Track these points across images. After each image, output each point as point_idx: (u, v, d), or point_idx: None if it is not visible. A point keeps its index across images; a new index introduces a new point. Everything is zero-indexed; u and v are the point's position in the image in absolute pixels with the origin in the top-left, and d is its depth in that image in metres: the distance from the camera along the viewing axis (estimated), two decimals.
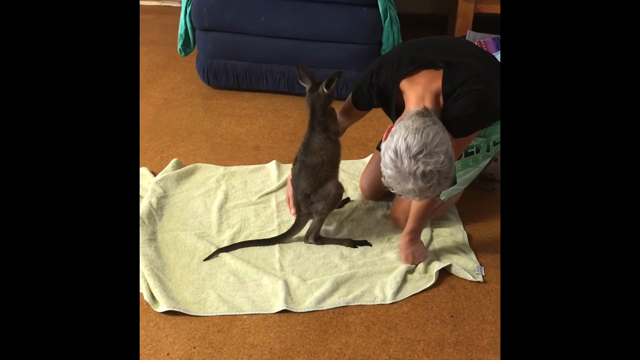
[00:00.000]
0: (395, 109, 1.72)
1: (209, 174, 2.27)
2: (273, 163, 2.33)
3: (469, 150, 1.89)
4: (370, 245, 1.95)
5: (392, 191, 1.55)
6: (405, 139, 1.46)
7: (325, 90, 1.80)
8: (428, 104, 1.60)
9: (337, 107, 1.94)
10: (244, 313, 1.70)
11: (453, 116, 1.60)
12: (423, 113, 1.53)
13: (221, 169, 2.30)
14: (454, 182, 1.93)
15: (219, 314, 1.70)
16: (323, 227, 1.97)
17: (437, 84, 1.62)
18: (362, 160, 2.39)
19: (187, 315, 1.69)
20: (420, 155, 1.44)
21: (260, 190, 2.20)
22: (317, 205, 1.86)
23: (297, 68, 1.87)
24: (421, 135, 1.45)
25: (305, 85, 1.86)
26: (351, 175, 2.30)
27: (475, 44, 2.59)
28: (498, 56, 2.46)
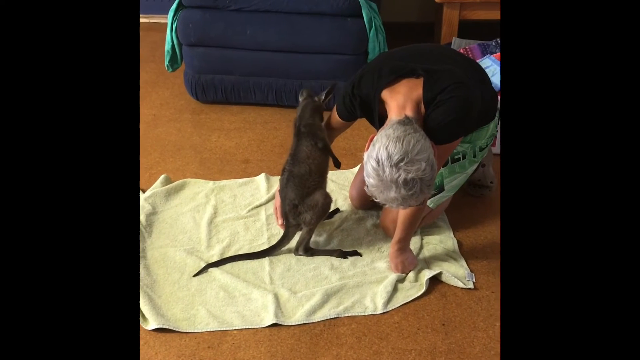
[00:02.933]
0: (378, 118, 1.72)
1: (198, 189, 2.27)
2: (262, 176, 2.33)
3: (456, 157, 1.89)
4: (361, 256, 1.95)
5: (375, 200, 1.55)
6: (386, 148, 1.46)
7: (320, 100, 1.90)
8: (409, 112, 1.60)
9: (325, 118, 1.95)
10: (234, 328, 1.69)
11: (434, 123, 1.60)
12: (404, 121, 1.54)
13: (210, 183, 2.30)
14: (442, 189, 1.93)
15: (209, 329, 1.69)
16: (313, 238, 1.96)
17: (418, 92, 1.62)
18: (351, 170, 2.39)
19: (177, 332, 1.68)
20: (402, 163, 1.44)
21: (250, 204, 2.19)
22: (305, 215, 1.85)
23: (302, 91, 1.98)
24: (402, 144, 1.46)
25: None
26: (340, 185, 2.30)
27: (461, 50, 2.61)
28: (483, 62, 2.47)
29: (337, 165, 1.92)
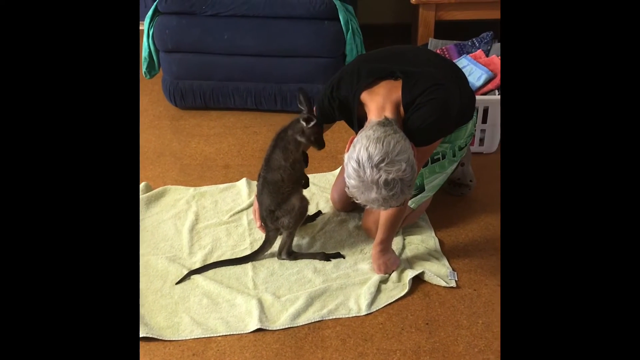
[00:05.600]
0: (357, 120, 1.72)
1: (179, 195, 2.26)
2: (243, 181, 2.33)
3: (435, 157, 1.91)
4: (343, 258, 1.95)
5: (357, 201, 1.55)
6: (366, 149, 1.47)
7: (307, 129, 1.77)
8: (389, 114, 1.61)
9: None
10: (218, 335, 1.68)
11: (415, 126, 1.61)
12: (384, 123, 1.55)
13: (191, 189, 2.29)
14: (423, 189, 1.95)
15: (193, 337, 1.68)
16: (296, 241, 1.96)
17: (397, 94, 1.63)
18: (332, 172, 2.40)
19: (161, 340, 1.66)
20: (382, 164, 1.45)
21: (231, 209, 2.18)
22: (282, 220, 1.85)
23: (299, 92, 1.79)
24: (382, 144, 1.46)
25: (302, 109, 1.78)
26: (322, 188, 2.30)
27: (438, 51, 2.63)
28: (460, 62, 2.49)
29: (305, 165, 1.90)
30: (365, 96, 1.68)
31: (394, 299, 1.78)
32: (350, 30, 2.60)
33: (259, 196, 1.88)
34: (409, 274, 1.84)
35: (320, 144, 1.81)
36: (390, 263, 1.87)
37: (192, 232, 2.07)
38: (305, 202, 1.88)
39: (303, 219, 1.91)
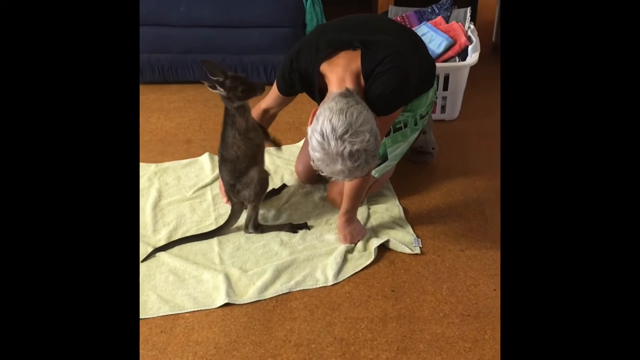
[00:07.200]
0: (318, 92, 1.71)
1: (140, 172, 2.22)
2: (206, 155, 2.30)
3: (397, 126, 1.92)
4: (309, 229, 1.96)
5: (322, 174, 1.55)
6: (330, 121, 1.46)
7: (229, 94, 1.72)
8: (349, 84, 1.60)
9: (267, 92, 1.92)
10: (186, 311, 1.68)
11: (375, 95, 1.61)
12: (345, 94, 1.54)
13: (152, 166, 2.26)
14: (386, 159, 1.96)
15: (160, 314, 1.67)
16: (261, 214, 1.96)
17: (357, 64, 1.62)
18: (297, 144, 2.39)
19: None
20: (346, 135, 1.45)
21: (195, 185, 2.16)
22: (244, 193, 1.85)
23: (203, 65, 1.71)
24: (345, 116, 1.46)
25: (220, 79, 1.72)
26: (286, 160, 2.29)
27: (397, 18, 2.62)
28: (420, 29, 2.49)
29: (279, 146, 1.92)
30: (325, 67, 1.67)
31: (360, 268, 1.80)
32: None
33: (220, 172, 1.87)
34: (375, 242, 1.86)
35: (253, 91, 1.72)
36: (355, 232, 1.89)
37: (156, 209, 2.04)
38: (264, 174, 1.87)
39: (265, 191, 1.91)
